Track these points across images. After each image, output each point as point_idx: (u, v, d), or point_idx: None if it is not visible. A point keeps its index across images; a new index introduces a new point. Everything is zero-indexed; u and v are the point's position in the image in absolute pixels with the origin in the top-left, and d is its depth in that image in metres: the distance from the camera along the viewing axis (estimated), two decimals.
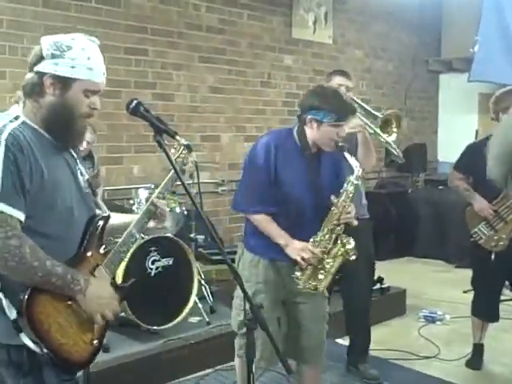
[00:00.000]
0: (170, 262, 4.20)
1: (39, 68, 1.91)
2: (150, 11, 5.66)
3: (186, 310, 4.21)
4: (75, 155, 2.10)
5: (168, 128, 2.12)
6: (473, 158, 3.97)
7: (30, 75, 1.94)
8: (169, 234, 4.30)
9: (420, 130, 8.94)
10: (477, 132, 8.14)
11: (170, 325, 4.12)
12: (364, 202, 3.94)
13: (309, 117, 2.89)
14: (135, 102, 2.10)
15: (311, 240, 2.85)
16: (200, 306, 4.35)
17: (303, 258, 2.82)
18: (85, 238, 2.01)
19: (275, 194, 2.89)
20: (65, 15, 5.03)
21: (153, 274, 4.12)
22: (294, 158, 2.92)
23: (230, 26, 6.36)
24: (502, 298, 4.17)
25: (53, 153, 1.96)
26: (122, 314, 3.98)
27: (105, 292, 2.01)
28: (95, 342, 2.01)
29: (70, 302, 1.91)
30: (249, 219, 3.02)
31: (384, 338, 4.65)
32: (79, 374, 2.05)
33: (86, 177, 2.12)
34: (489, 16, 7.28)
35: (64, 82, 1.91)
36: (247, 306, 2.06)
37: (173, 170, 2.18)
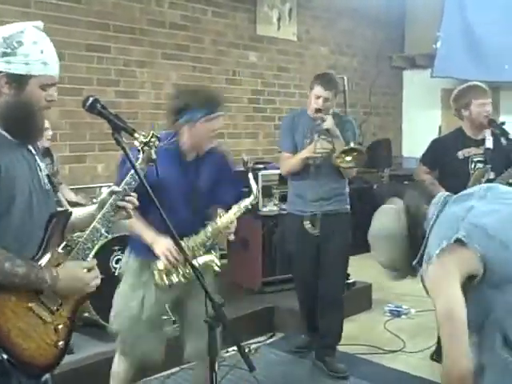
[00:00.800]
0: None
1: None
2: (111, 7, 5.59)
3: None
4: (34, 152, 2.05)
5: (126, 125, 2.09)
6: (439, 153, 4.02)
7: None
8: None
9: (384, 126, 9.03)
10: (440, 127, 8.25)
11: None
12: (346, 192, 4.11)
13: (181, 121, 2.90)
14: (91, 99, 2.06)
15: (184, 239, 2.83)
16: (166, 304, 4.30)
17: (167, 258, 2.79)
18: (45, 237, 1.96)
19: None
20: (24, 12, 4.93)
21: (117, 273, 4.06)
22: (171, 161, 2.90)
23: (194, 22, 6.32)
24: None
25: (10, 150, 1.91)
26: (86, 314, 3.94)
27: (77, 280, 1.98)
28: (60, 343, 1.96)
29: (30, 305, 1.86)
30: None
31: (350, 333, 4.67)
32: (46, 376, 2.01)
33: (46, 172, 2.07)
34: (451, 12, 7.38)
35: (19, 81, 1.87)
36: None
37: (138, 163, 2.15)
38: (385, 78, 8.90)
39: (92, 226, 2.07)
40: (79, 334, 3.96)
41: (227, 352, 4.10)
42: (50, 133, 4.62)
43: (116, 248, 4.07)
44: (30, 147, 2.04)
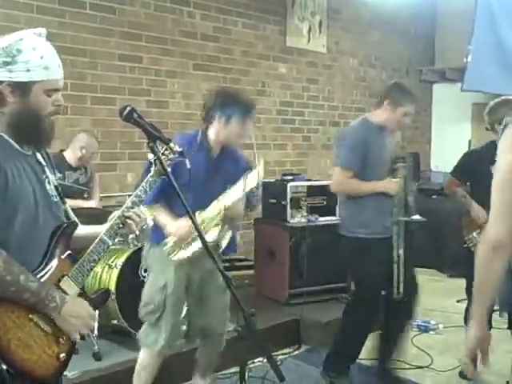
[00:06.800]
0: None
1: None
2: (144, 18, 5.66)
3: None
4: (43, 162, 2.04)
5: (162, 135, 2.10)
6: (471, 166, 3.98)
7: None
8: None
9: (413, 140, 8.96)
10: (470, 142, 8.17)
11: None
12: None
13: (218, 114, 3.16)
14: (128, 108, 2.09)
15: (197, 213, 3.06)
16: None
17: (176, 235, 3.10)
18: (50, 247, 1.95)
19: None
20: (59, 22, 5.02)
21: (145, 281, 4.09)
22: (199, 155, 3.14)
23: (225, 33, 6.36)
24: (496, 307, 4.15)
25: (18, 160, 1.91)
26: (115, 321, 3.96)
27: (82, 310, 1.96)
28: (62, 355, 1.92)
29: (31, 316, 1.84)
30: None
31: None
32: None
33: (55, 184, 2.06)
34: (481, 26, 7.32)
35: (22, 88, 1.86)
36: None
37: (149, 175, 2.14)
38: (414, 91, 8.78)
39: (99, 238, 2.05)
40: (107, 341, 3.99)
41: (253, 363, 4.09)
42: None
43: None
44: (40, 158, 2.03)
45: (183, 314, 3.46)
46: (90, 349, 3.78)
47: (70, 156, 4.64)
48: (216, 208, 3.11)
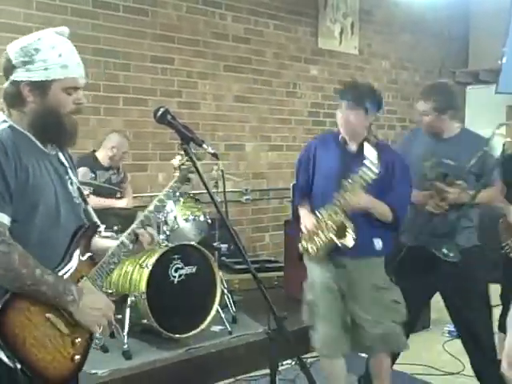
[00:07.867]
0: (193, 270, 4.19)
1: (13, 77, 1.87)
2: (176, 20, 5.70)
3: (209, 319, 4.19)
4: (66, 164, 2.04)
5: (195, 136, 2.10)
6: (507, 170, 3.89)
7: (6, 85, 1.90)
8: (192, 242, 4.31)
9: None
10: (504, 145, 8.02)
11: (192, 333, 4.11)
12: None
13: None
14: (162, 109, 2.09)
15: (317, 212, 3.11)
16: (222, 315, 4.32)
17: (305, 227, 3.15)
18: (70, 248, 1.94)
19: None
20: (93, 24, 5.09)
21: (176, 281, 4.11)
22: (331, 151, 3.22)
23: (256, 35, 6.37)
24: None
25: (41, 159, 1.91)
26: (145, 320, 3.99)
27: (100, 301, 1.94)
28: (77, 357, 1.89)
29: (48, 315, 1.82)
30: None
31: (407, 352, 4.55)
32: None
33: (77, 185, 2.05)
34: None
35: (41, 87, 1.86)
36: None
37: (173, 181, 2.14)
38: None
39: (120, 241, 2.05)
40: (137, 340, 4.02)
41: (282, 365, 4.08)
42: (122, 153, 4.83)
43: (175, 257, 4.10)
44: (62, 159, 2.03)
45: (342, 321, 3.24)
46: (120, 347, 3.82)
47: (102, 156, 4.69)
48: (336, 201, 3.02)
